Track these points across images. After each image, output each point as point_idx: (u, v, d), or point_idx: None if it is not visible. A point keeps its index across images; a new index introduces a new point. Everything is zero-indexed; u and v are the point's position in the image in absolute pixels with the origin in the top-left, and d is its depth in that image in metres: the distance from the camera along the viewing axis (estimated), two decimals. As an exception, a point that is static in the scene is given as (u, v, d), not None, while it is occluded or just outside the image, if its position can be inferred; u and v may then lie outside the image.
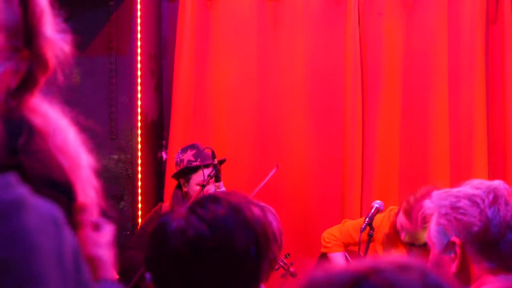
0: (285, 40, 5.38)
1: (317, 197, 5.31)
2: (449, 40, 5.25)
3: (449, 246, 2.12)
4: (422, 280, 1.08)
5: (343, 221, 4.54)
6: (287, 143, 5.35)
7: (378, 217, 4.13)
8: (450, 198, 2.13)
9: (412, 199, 4.01)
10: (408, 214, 3.96)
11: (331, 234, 4.46)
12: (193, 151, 4.52)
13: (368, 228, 3.96)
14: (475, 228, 2.06)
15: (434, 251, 2.17)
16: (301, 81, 5.37)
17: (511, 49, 5.17)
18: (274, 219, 2.41)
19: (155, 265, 1.72)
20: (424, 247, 4.08)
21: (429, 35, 5.25)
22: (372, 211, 4.01)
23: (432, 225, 2.17)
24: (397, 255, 1.17)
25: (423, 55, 5.27)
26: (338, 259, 4.42)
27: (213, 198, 1.72)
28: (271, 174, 4.49)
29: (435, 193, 2.21)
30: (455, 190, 2.16)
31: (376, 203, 4.05)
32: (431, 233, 2.17)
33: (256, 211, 1.72)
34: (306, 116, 5.36)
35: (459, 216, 2.09)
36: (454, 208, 2.11)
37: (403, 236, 4.03)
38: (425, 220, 3.90)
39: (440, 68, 5.22)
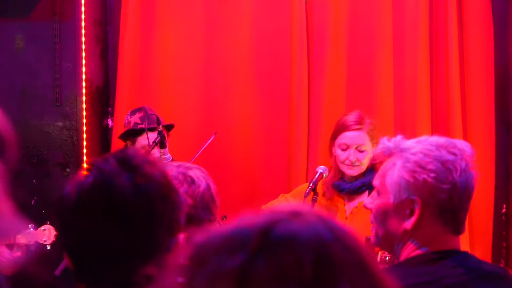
0: (230, 5, 5.37)
1: (263, 163, 5.34)
2: (394, 6, 5.28)
3: (406, 203, 2.09)
4: (324, 225, 1.07)
5: (279, 196, 4.53)
6: (233, 108, 5.36)
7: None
8: (420, 155, 2.07)
9: (338, 121, 4.12)
10: (344, 125, 4.06)
11: (269, 203, 4.47)
12: (141, 114, 4.53)
13: (312, 193, 3.97)
14: (442, 195, 2.05)
15: (386, 199, 2.13)
16: (247, 46, 5.37)
17: (454, 12, 5.22)
18: (201, 179, 2.42)
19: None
20: (357, 196, 4.14)
21: (374, 1, 5.28)
22: (317, 176, 4.03)
23: (392, 174, 2.10)
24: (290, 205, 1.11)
25: (368, 19, 5.29)
26: None
27: (104, 158, 1.71)
28: (208, 141, 4.51)
29: (399, 139, 2.15)
30: (424, 146, 2.09)
31: (320, 168, 4.08)
32: (387, 181, 2.11)
33: (153, 169, 1.69)
34: (251, 82, 5.37)
35: (429, 180, 2.05)
36: (424, 168, 2.06)
37: (351, 156, 4.01)
38: (364, 122, 4.00)
39: (385, 31, 5.25)
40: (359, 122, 4.05)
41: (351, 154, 4.04)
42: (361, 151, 4.04)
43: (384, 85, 5.26)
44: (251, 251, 1.01)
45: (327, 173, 4.09)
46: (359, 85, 5.32)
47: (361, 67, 5.32)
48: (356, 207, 4.14)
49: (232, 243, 1.04)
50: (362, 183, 4.10)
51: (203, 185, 2.41)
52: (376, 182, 2.18)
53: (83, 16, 5.10)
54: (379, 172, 2.18)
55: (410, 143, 2.13)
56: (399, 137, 2.16)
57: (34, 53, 5.10)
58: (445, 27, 5.27)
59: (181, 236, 1.71)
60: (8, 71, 5.09)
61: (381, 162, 3.94)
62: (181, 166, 2.43)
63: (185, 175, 2.37)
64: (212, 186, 2.45)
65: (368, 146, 4.04)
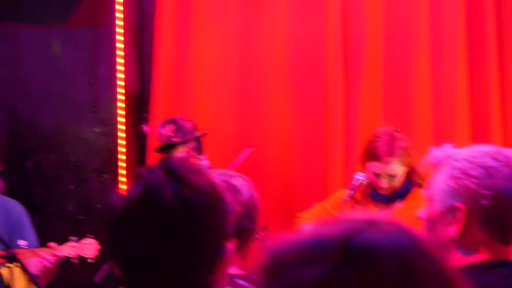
0: (267, 13, 5.35)
1: (299, 170, 5.31)
2: (431, 13, 5.23)
3: (451, 209, 2.09)
4: (404, 235, 1.06)
5: (314, 204, 4.52)
6: (268, 115, 5.34)
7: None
8: (464, 162, 2.08)
9: (369, 144, 4.07)
10: (375, 155, 4.00)
11: (306, 212, 4.47)
12: (173, 127, 4.51)
13: (350, 200, 3.96)
14: (485, 202, 2.04)
15: (434, 207, 2.14)
16: (283, 53, 5.35)
17: (492, 16, 5.17)
18: (245, 188, 2.39)
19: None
20: (391, 204, 4.13)
21: (411, 7, 5.24)
22: (354, 182, 4.01)
23: (438, 182, 2.12)
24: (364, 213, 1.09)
25: (405, 25, 5.26)
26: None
27: (151, 169, 1.70)
28: (247, 154, 4.51)
29: (447, 148, 2.16)
30: (470, 153, 2.10)
31: (359, 175, 4.06)
32: (434, 189, 2.13)
33: (200, 178, 1.68)
34: (287, 88, 5.35)
35: (471, 185, 2.04)
36: (467, 174, 2.06)
37: (382, 182, 4.03)
38: (394, 151, 3.96)
39: (422, 38, 5.22)
40: (390, 152, 4.01)
41: (383, 182, 4.04)
42: (392, 176, 4.04)
43: (422, 90, 5.21)
44: (333, 261, 1.00)
45: (366, 180, 4.07)
46: (396, 91, 5.28)
47: (398, 73, 5.28)
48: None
49: (311, 254, 1.02)
50: (397, 194, 4.11)
51: (246, 194, 2.39)
52: (425, 191, 2.19)
53: (119, 23, 5.11)
54: (428, 180, 2.18)
55: (457, 151, 2.13)
56: (447, 146, 2.16)
57: (71, 59, 5.13)
58: (483, 32, 5.21)
59: (230, 246, 1.70)
60: (45, 78, 5.12)
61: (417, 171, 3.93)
62: (223, 174, 2.40)
63: (228, 183, 2.34)
64: (255, 194, 2.43)
65: (399, 171, 4.04)
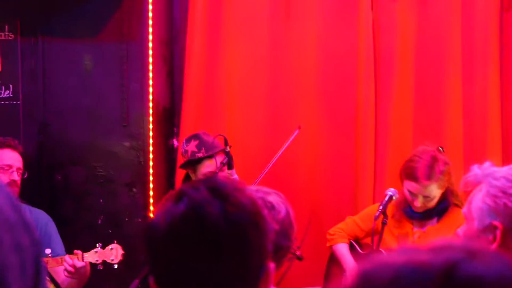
0: (297, 27, 5.34)
1: (329, 185, 5.29)
2: (463, 28, 5.20)
3: (489, 228, 2.08)
4: (507, 266, 1.03)
5: (347, 218, 4.54)
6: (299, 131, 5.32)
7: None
8: (503, 180, 2.08)
9: (409, 162, 4.04)
10: (413, 175, 3.97)
11: (337, 227, 4.48)
12: (196, 142, 4.51)
13: (382, 216, 3.94)
14: None
15: (472, 226, 2.12)
16: (313, 69, 5.34)
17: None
18: (281, 205, 2.37)
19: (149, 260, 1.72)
20: (426, 221, 4.11)
21: (442, 23, 5.21)
22: (386, 199, 3.99)
23: (477, 200, 2.11)
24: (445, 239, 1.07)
25: (436, 42, 5.23)
26: (343, 250, 4.41)
27: (194, 186, 1.69)
28: (293, 136, 4.53)
29: (487, 166, 2.15)
30: (509, 172, 2.10)
31: (390, 191, 4.04)
32: (472, 207, 2.12)
33: (243, 196, 1.68)
34: (318, 104, 5.33)
35: (509, 204, 2.04)
36: (505, 193, 2.06)
37: (417, 202, 4.02)
38: (434, 174, 3.93)
39: (454, 56, 5.18)
40: (430, 175, 3.98)
41: (418, 202, 4.02)
42: (428, 198, 4.02)
43: (453, 106, 5.17)
44: None
45: (397, 195, 4.04)
46: (426, 107, 5.25)
47: (429, 88, 5.25)
48: (424, 232, 4.13)
49: (409, 280, 1.00)
50: (432, 212, 4.09)
51: (283, 211, 2.36)
52: (464, 209, 2.18)
53: (150, 37, 5.13)
54: (468, 199, 2.17)
55: (496, 169, 2.12)
56: (487, 164, 2.15)
57: (102, 73, 5.15)
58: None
59: (272, 264, 1.69)
60: (76, 92, 5.15)
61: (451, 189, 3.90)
62: (259, 191, 2.38)
63: (264, 200, 2.32)
64: (291, 211, 2.41)
65: (436, 193, 4.04)
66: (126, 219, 5.13)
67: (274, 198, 2.39)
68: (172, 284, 1.67)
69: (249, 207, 1.66)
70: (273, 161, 4.49)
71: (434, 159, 4.01)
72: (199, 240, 1.62)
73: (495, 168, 2.14)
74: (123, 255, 4.12)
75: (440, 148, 4.17)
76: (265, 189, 2.46)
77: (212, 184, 1.67)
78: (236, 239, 1.63)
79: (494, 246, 2.06)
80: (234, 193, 1.66)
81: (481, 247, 1.05)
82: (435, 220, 4.14)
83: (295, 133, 4.60)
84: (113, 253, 4.11)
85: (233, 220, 1.62)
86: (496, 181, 2.09)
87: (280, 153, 4.46)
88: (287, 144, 4.53)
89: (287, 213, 2.38)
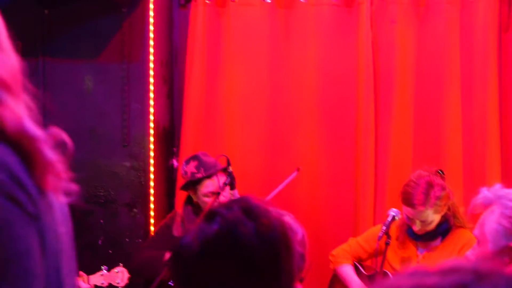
0: (296, 48, 5.37)
1: (329, 204, 5.29)
2: (461, 48, 5.23)
3: (505, 250, 2.07)
4: None
5: (349, 239, 4.54)
6: (299, 151, 5.34)
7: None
8: None
9: (405, 188, 4.03)
10: (409, 201, 3.97)
11: (340, 248, 4.47)
12: (195, 163, 4.52)
13: (385, 236, 3.94)
14: None
15: (485, 248, 2.11)
16: (313, 89, 5.36)
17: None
18: (297, 226, 2.37)
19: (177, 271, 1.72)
20: (430, 242, 4.11)
21: (441, 43, 5.24)
22: (389, 219, 4.00)
23: (490, 222, 2.10)
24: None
25: (435, 63, 5.26)
26: (348, 271, 4.39)
27: (214, 213, 1.70)
28: (291, 177, 4.51)
29: (498, 188, 2.14)
30: None
31: (392, 211, 4.05)
32: (486, 229, 2.10)
33: (274, 217, 1.69)
34: (318, 124, 5.35)
35: None
36: None
37: (415, 226, 4.03)
38: (429, 200, 3.93)
39: (453, 76, 5.21)
40: (425, 202, 3.98)
41: (416, 225, 4.03)
42: (426, 222, 4.03)
43: (452, 126, 5.20)
44: None
45: (399, 215, 4.05)
46: (426, 127, 5.27)
47: (429, 108, 5.27)
48: (429, 252, 4.13)
49: None
50: (436, 233, 4.09)
51: (300, 232, 2.37)
52: (476, 231, 2.17)
53: (151, 58, 5.15)
54: (479, 221, 2.16)
55: (508, 190, 2.11)
56: (497, 186, 2.14)
57: (103, 93, 5.16)
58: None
59: (299, 286, 1.70)
60: (77, 112, 5.15)
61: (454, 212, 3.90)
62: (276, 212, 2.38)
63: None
64: (304, 233, 2.42)
65: (433, 218, 4.04)
66: (127, 240, 5.12)
67: (288, 219, 2.39)
68: None
69: (279, 228, 1.68)
70: (270, 198, 4.47)
71: (429, 185, 4.00)
72: (232, 259, 1.63)
73: (507, 190, 2.13)
74: (129, 278, 4.10)
75: (440, 172, 4.16)
76: (279, 209, 2.47)
77: (245, 204, 1.68)
78: (269, 259, 1.64)
79: (510, 267, 2.05)
80: (265, 213, 1.67)
81: (490, 269, 1.04)
82: (439, 240, 4.13)
83: (293, 175, 4.59)
84: (119, 276, 4.10)
85: (266, 240, 1.65)
86: (510, 203, 2.07)
87: (276, 192, 4.45)
88: (283, 185, 4.52)
89: (303, 234, 2.39)
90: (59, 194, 1.32)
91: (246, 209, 1.66)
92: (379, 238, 3.93)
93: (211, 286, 1.64)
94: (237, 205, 1.68)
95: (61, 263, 1.32)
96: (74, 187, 1.33)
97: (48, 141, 1.30)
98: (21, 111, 1.30)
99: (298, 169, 4.60)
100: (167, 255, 4.28)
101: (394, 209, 4.06)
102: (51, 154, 1.29)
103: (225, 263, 1.63)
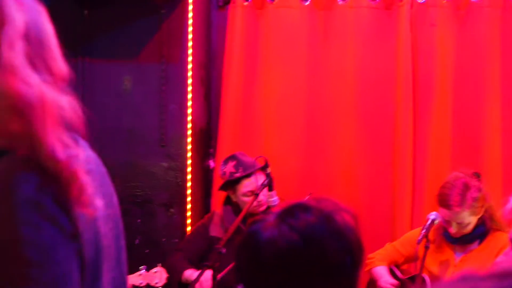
0: (335, 50, 5.35)
1: (367, 208, 5.26)
2: (502, 52, 5.18)
3: None
4: None
5: (386, 244, 4.52)
6: (336, 154, 5.31)
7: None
8: None
9: (442, 189, 4.02)
10: (446, 202, 3.96)
11: (376, 253, 4.45)
12: (234, 162, 4.52)
13: (425, 240, 3.92)
14: None
15: None
16: (351, 92, 5.33)
17: None
18: None
19: (248, 276, 1.70)
20: (467, 245, 4.08)
21: (481, 47, 5.19)
22: (429, 222, 3.98)
23: None
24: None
25: (475, 67, 5.21)
26: (381, 271, 4.37)
27: (303, 207, 1.70)
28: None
29: None
30: None
31: (432, 215, 4.02)
32: None
33: (348, 218, 1.69)
34: (355, 128, 5.32)
35: None
36: None
37: (451, 228, 4.01)
38: (466, 201, 3.91)
39: (493, 80, 5.16)
40: (461, 203, 3.97)
41: (453, 227, 4.01)
42: (462, 224, 4.00)
43: (492, 131, 5.15)
44: None
45: (439, 219, 4.03)
46: (465, 131, 5.22)
47: (468, 113, 5.23)
48: (466, 255, 4.10)
49: None
50: (473, 236, 4.07)
51: None
52: (510, 235, 2.15)
53: (189, 59, 5.16)
54: None
55: None
56: None
57: (141, 94, 5.18)
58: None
59: None
60: (116, 112, 5.18)
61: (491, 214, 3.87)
62: None
63: None
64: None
65: (469, 220, 4.03)
66: (164, 240, 5.14)
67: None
68: None
69: (354, 236, 1.71)
70: None
71: (466, 187, 3.99)
72: (312, 265, 1.66)
73: None
74: (167, 278, 4.10)
75: (476, 174, 4.14)
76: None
77: (324, 213, 1.71)
78: (345, 261, 1.68)
79: None
80: (344, 221, 1.72)
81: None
82: (476, 243, 4.11)
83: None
84: (157, 276, 4.10)
85: (348, 249, 1.69)
86: None
87: None
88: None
89: None
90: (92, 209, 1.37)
91: (325, 217, 1.68)
92: (419, 241, 3.91)
93: (310, 274, 1.65)
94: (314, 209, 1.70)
95: (101, 274, 1.41)
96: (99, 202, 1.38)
97: (81, 163, 1.35)
98: (55, 138, 1.33)
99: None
100: (187, 272, 4.32)
101: (434, 213, 4.04)
102: (84, 176, 1.35)
103: (306, 269, 1.65)
